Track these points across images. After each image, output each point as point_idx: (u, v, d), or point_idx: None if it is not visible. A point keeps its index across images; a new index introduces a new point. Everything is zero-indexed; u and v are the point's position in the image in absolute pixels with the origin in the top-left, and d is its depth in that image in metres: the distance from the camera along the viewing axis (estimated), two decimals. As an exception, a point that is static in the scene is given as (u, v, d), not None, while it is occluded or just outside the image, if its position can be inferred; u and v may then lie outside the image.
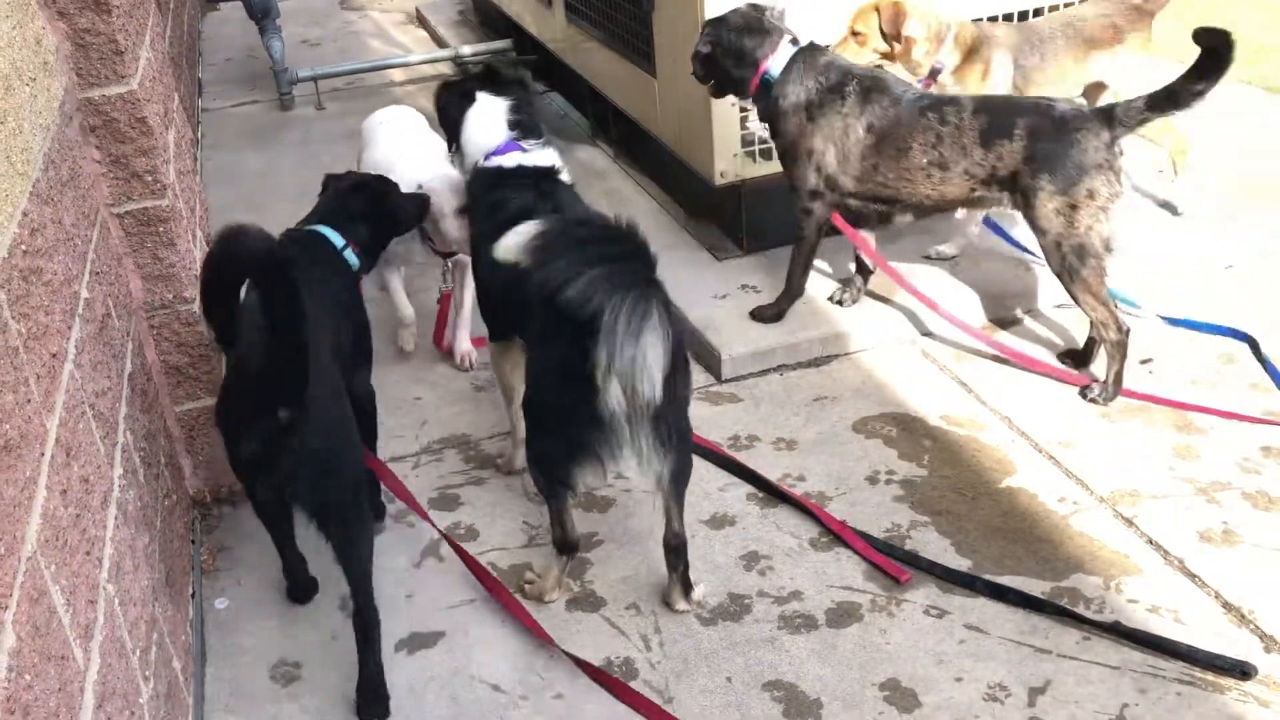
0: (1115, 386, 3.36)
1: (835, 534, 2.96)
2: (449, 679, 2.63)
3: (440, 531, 2.92)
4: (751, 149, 4.11)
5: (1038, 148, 3.24)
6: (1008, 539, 2.92)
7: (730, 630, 2.71)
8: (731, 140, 4.06)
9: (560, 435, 2.57)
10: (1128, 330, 3.35)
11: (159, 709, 2.18)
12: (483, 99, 3.17)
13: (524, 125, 3.11)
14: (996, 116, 3.32)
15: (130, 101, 2.79)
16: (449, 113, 3.22)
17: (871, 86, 3.48)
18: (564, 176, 3.06)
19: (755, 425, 3.45)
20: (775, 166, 4.13)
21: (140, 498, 2.44)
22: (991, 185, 3.37)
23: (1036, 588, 2.75)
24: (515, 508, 3.19)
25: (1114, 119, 3.21)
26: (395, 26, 8.29)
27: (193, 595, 2.89)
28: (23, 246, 1.91)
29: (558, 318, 2.38)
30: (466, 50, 6.88)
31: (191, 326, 3.07)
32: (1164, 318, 3.70)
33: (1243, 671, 2.45)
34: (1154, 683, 2.47)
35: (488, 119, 3.13)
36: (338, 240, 3.03)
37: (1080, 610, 2.66)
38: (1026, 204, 3.32)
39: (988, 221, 4.06)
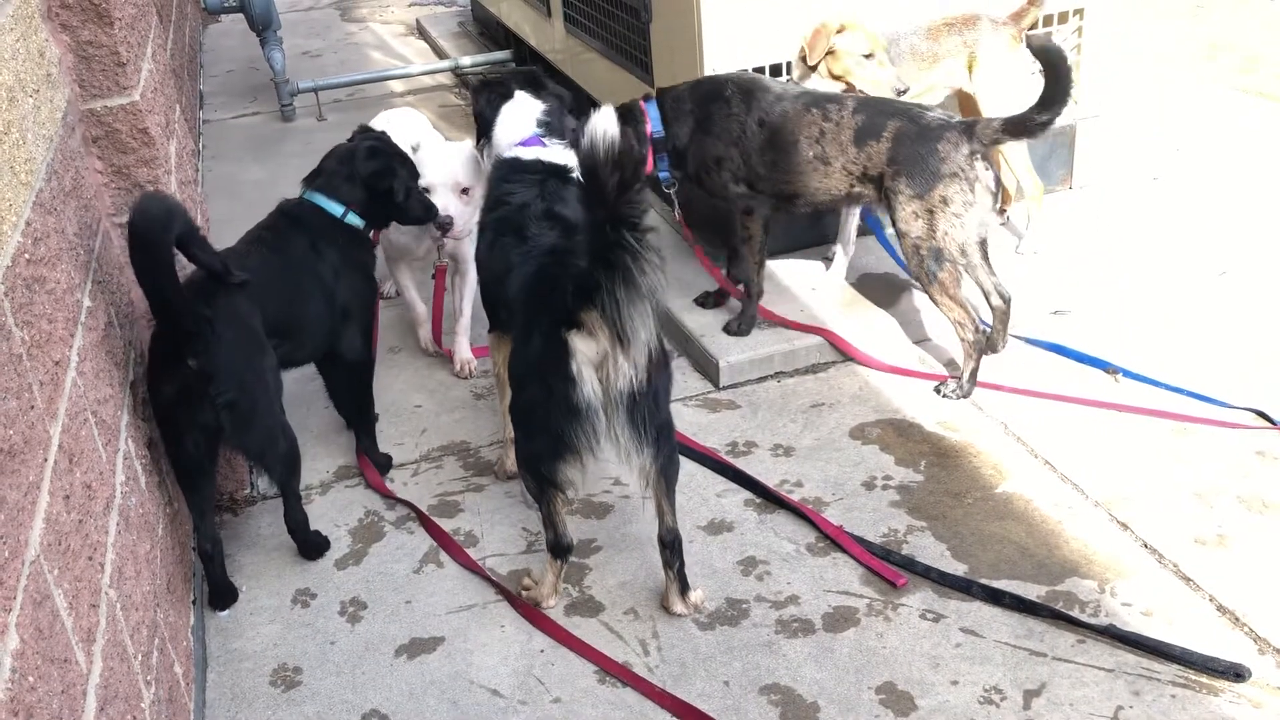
0: (970, 383, 3.53)
1: (832, 539, 2.98)
2: (449, 684, 2.65)
3: (426, 521, 2.94)
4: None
5: (901, 151, 3.35)
6: (1003, 543, 2.94)
7: (728, 635, 2.73)
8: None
9: (541, 431, 2.60)
10: (984, 331, 3.52)
11: (160, 713, 2.20)
12: (520, 97, 3.30)
13: (552, 126, 3.21)
14: (871, 117, 3.43)
15: (132, 112, 2.82)
16: (485, 106, 3.34)
17: (750, 86, 3.60)
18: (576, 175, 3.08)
19: (753, 431, 3.48)
20: (772, 175, 4.17)
21: (142, 504, 2.46)
22: (865, 183, 3.47)
23: (1032, 591, 2.76)
24: (514, 514, 3.21)
25: (974, 133, 3.32)
26: (396, 38, 8.34)
27: (194, 602, 2.91)
28: (26, 255, 1.94)
29: (537, 311, 2.52)
30: (466, 61, 6.93)
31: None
32: (1026, 339, 3.77)
33: (1236, 674, 2.47)
34: (1148, 685, 2.48)
35: (520, 115, 3.24)
36: (334, 208, 3.26)
37: (1075, 614, 2.68)
38: (889, 205, 3.44)
39: (871, 221, 4.18)
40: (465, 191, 3.62)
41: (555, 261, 2.66)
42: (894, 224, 3.46)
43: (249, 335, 2.86)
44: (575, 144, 3.09)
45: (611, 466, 2.94)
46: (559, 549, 2.79)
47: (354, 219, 3.29)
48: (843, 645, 2.67)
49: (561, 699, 2.59)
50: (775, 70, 4.04)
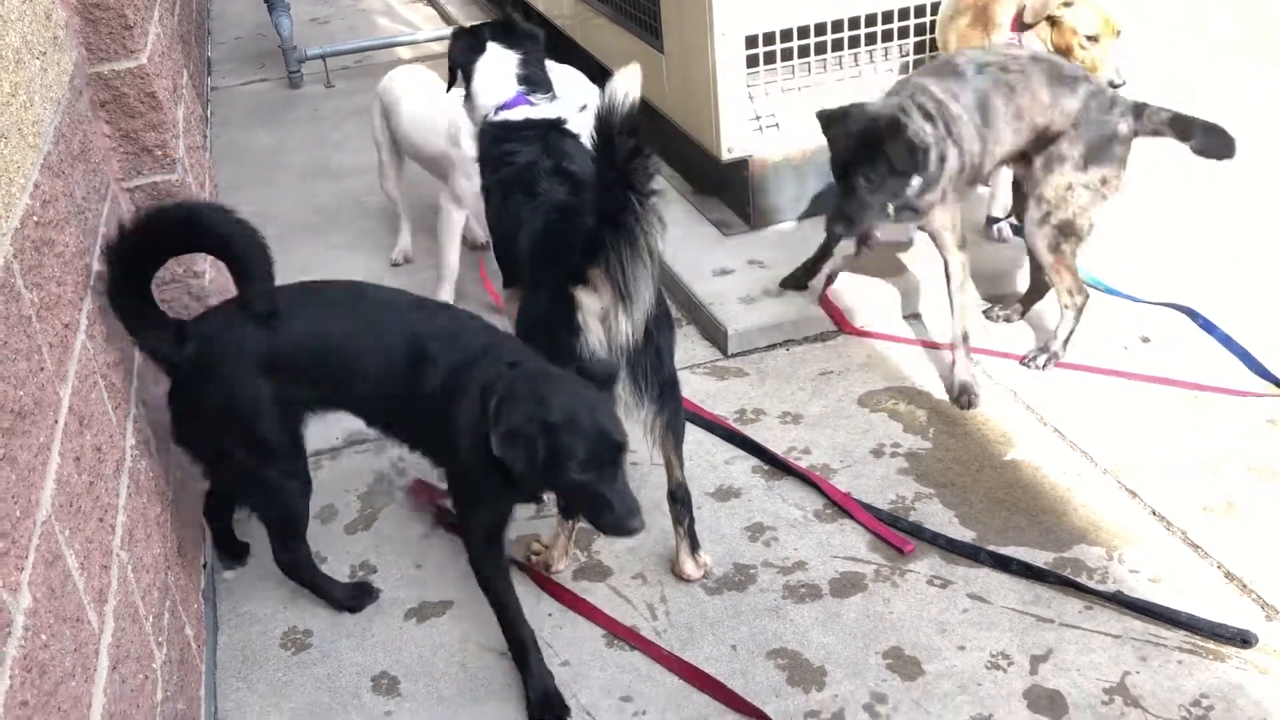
0: (1063, 349, 3.47)
1: (839, 505, 2.98)
2: (458, 647, 2.67)
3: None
4: (759, 125, 4.11)
5: (1088, 114, 3.23)
6: (1011, 510, 2.94)
7: (735, 600, 2.74)
8: (739, 116, 4.06)
9: None
10: (1087, 295, 3.45)
11: (172, 674, 2.22)
12: (493, 50, 3.17)
13: (532, 79, 3.13)
14: (1055, 66, 3.31)
15: (140, 76, 2.81)
16: (459, 60, 3.25)
17: (943, 66, 3.37)
18: (572, 127, 3.08)
19: (761, 399, 3.47)
20: (782, 143, 4.15)
21: (152, 468, 2.48)
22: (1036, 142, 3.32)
23: (1039, 558, 2.77)
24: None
25: (1141, 116, 3.25)
26: (403, 4, 8.28)
27: (205, 565, 2.93)
28: (35, 218, 1.94)
29: (544, 267, 2.59)
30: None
31: (202, 300, 3.10)
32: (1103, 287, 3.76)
33: (1243, 640, 2.47)
34: (1155, 651, 2.49)
35: (498, 72, 3.14)
36: None
37: (1083, 580, 2.68)
38: (1041, 167, 3.31)
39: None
40: None
41: (563, 218, 2.67)
42: (1034, 187, 3.33)
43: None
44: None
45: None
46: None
47: None
48: (850, 610, 2.68)
49: (570, 662, 2.60)
50: (785, 35, 4.00)
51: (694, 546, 2.80)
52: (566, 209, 2.70)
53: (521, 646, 2.50)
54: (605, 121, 2.26)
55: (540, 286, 2.65)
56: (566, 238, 2.55)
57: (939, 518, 2.94)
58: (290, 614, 2.81)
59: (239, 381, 2.50)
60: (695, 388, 3.53)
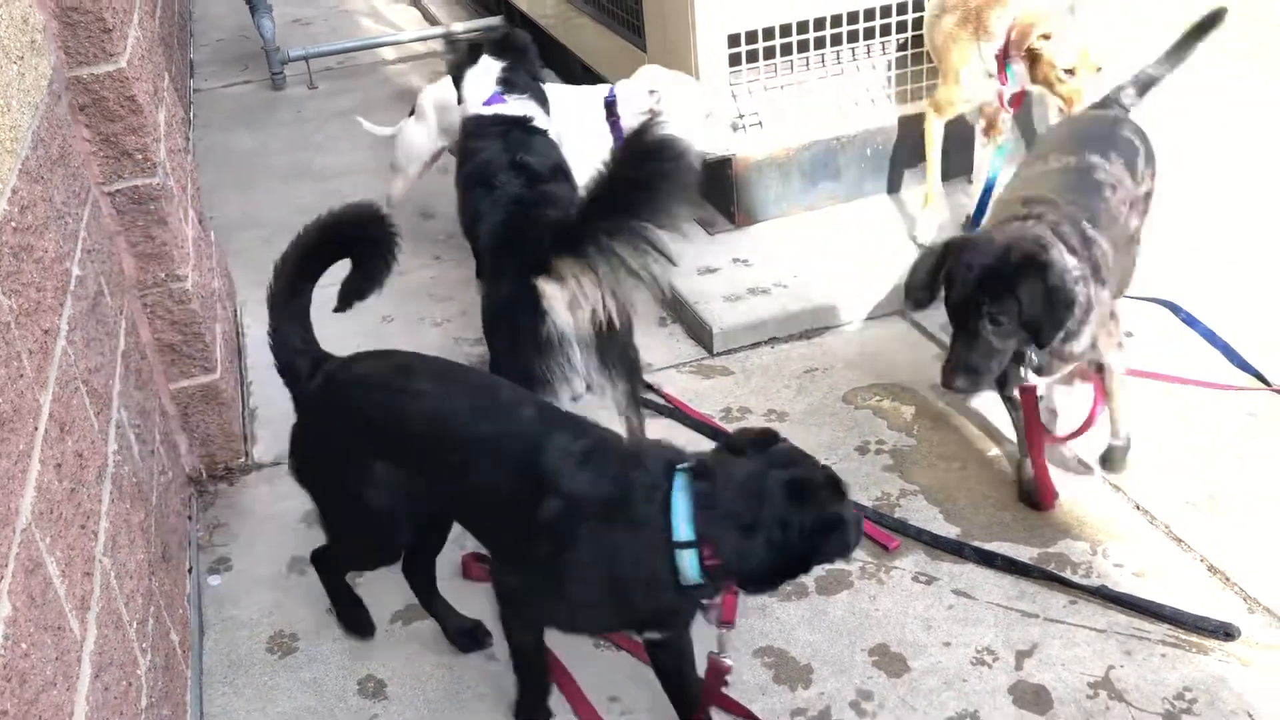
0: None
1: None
2: (445, 651, 2.67)
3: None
4: (742, 123, 4.11)
5: (1152, 155, 3.12)
6: (996, 506, 2.95)
7: (722, 599, 2.74)
8: (723, 114, 4.06)
9: (513, 366, 2.71)
10: None
11: (157, 680, 2.21)
12: (484, 60, 3.43)
13: (509, 81, 3.35)
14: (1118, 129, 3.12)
15: (119, 80, 2.80)
16: (452, 71, 3.58)
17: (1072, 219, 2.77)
18: (541, 124, 3.25)
19: (747, 397, 3.48)
20: (765, 142, 4.15)
21: (135, 474, 2.47)
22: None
23: (1024, 553, 2.78)
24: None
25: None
26: (387, 5, 8.26)
27: (190, 570, 2.92)
28: (13, 224, 1.93)
29: (504, 256, 2.81)
30: (458, 27, 6.86)
31: (184, 305, 3.09)
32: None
33: (1226, 633, 2.49)
34: (1139, 645, 2.50)
35: (484, 76, 3.39)
36: None
37: (1067, 575, 2.69)
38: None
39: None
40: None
41: (520, 211, 2.84)
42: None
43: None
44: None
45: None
46: None
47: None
48: (836, 608, 2.68)
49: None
50: (769, 33, 4.01)
51: None
52: (522, 201, 2.87)
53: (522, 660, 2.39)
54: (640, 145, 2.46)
55: (501, 276, 2.78)
56: (525, 230, 2.72)
57: (924, 514, 2.94)
58: (277, 618, 2.80)
59: (344, 444, 2.36)
60: (681, 386, 3.53)
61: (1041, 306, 2.50)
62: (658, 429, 3.23)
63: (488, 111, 3.28)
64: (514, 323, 2.68)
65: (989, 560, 2.76)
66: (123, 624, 2.06)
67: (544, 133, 3.26)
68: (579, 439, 2.14)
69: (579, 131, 3.65)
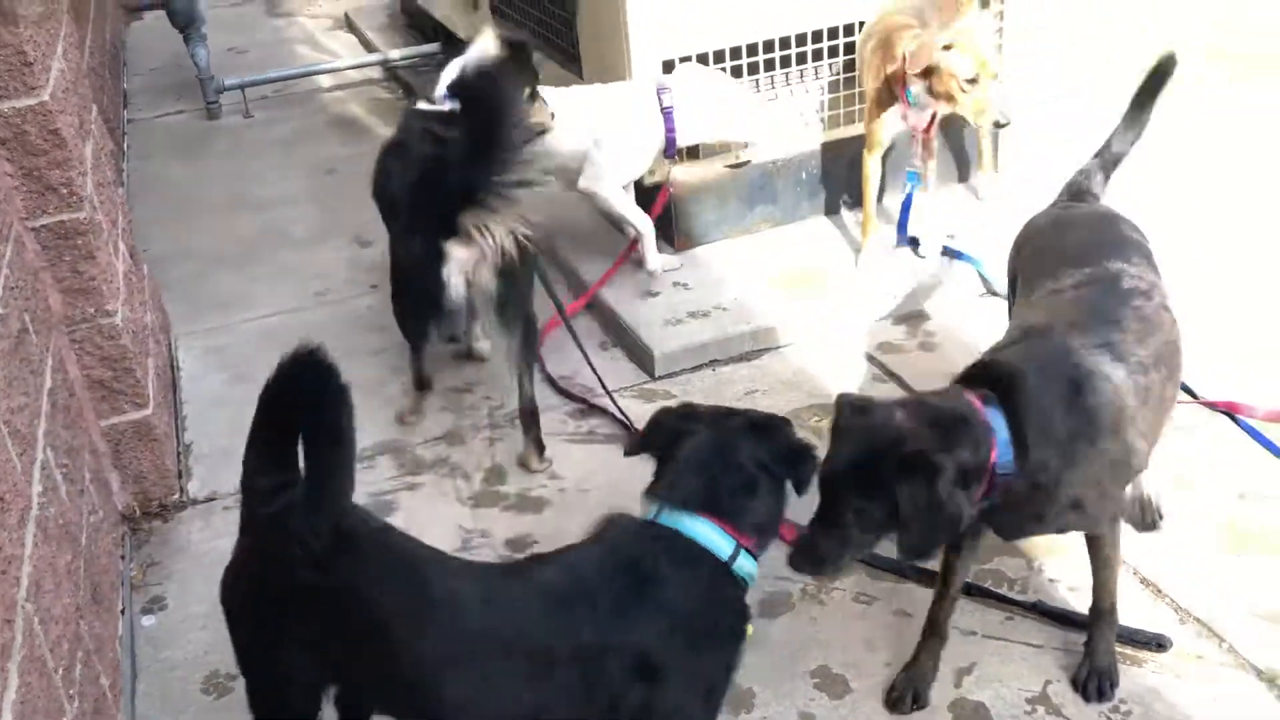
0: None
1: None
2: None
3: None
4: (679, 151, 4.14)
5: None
6: (934, 524, 2.97)
7: (664, 625, 2.73)
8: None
9: (412, 315, 3.30)
10: None
11: (86, 727, 2.16)
12: (451, 63, 3.68)
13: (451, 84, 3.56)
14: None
15: (41, 113, 2.75)
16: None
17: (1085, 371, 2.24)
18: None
19: (688, 421, 3.48)
20: (703, 169, 4.18)
21: (63, 514, 2.41)
22: None
23: (962, 571, 2.80)
24: (449, 513, 3.19)
25: None
26: (324, 32, 8.22)
27: (123, 611, 2.86)
28: (-73, 263, 1.89)
29: (416, 214, 3.09)
30: (395, 55, 6.85)
31: (114, 340, 3.04)
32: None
33: (1159, 644, 2.53)
34: (1075, 660, 2.53)
35: (445, 76, 3.65)
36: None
37: (1003, 591, 2.72)
38: None
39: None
40: None
41: (436, 168, 3.04)
42: None
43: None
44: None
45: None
46: (419, 383, 3.57)
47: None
48: (777, 630, 2.69)
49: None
50: (703, 59, 4.04)
51: (539, 449, 3.32)
52: (438, 159, 3.08)
53: None
54: (464, 88, 2.90)
55: (413, 234, 3.09)
56: (434, 190, 2.98)
57: (864, 534, 2.96)
58: (213, 657, 2.75)
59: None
60: (625, 410, 3.53)
61: (915, 517, 2.05)
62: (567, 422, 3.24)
63: (424, 107, 3.61)
64: (420, 283, 3.04)
65: (928, 579, 2.77)
66: (48, 671, 2.01)
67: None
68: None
69: (632, 122, 3.84)
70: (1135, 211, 2.75)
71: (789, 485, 2.11)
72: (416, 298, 3.19)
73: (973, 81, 3.54)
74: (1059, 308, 2.40)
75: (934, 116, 3.82)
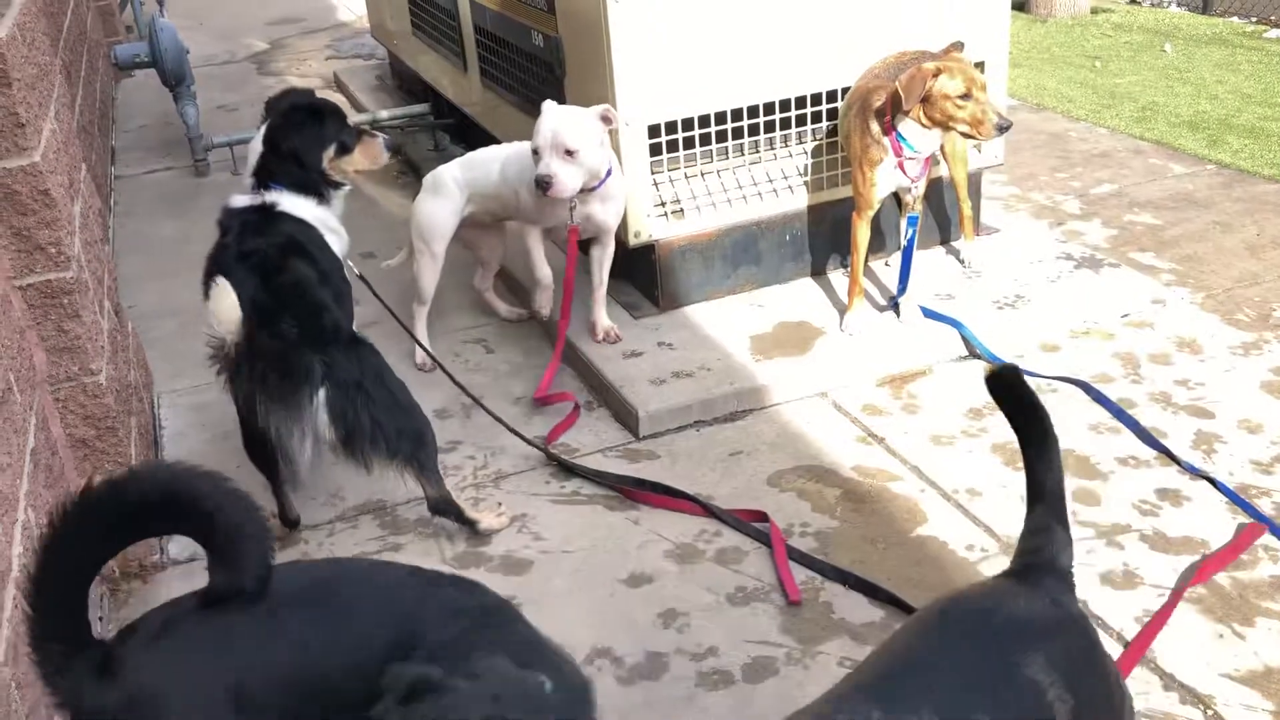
0: None
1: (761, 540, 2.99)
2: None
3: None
4: (664, 210, 4.19)
5: None
6: (919, 587, 2.97)
7: (649, 689, 2.72)
8: (645, 201, 4.14)
9: (259, 453, 3.23)
10: None
11: (60, 794, 2.12)
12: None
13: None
14: None
15: (32, 174, 2.77)
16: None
17: None
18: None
19: (673, 481, 3.48)
20: (688, 226, 4.23)
21: (42, 576, 2.39)
22: None
23: (947, 635, 2.80)
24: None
25: None
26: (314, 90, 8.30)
27: (100, 674, 2.82)
28: (-86, 325, 1.89)
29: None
30: (384, 114, 6.91)
31: (98, 399, 3.03)
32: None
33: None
34: None
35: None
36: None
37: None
38: None
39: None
40: (570, 154, 3.68)
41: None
42: None
43: None
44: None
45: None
46: (285, 521, 3.36)
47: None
48: (763, 696, 2.67)
49: None
50: (688, 123, 4.10)
51: (472, 524, 3.31)
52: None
53: None
54: None
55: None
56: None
57: (850, 598, 2.96)
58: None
59: None
60: (610, 471, 3.53)
61: None
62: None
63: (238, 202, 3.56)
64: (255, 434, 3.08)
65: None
66: (23, 738, 1.98)
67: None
68: None
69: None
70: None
71: None
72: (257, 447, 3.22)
73: (966, 97, 3.62)
74: None
75: (927, 162, 3.88)
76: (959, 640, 1.72)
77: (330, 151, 3.52)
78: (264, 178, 3.45)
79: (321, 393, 3.00)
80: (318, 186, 3.48)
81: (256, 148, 3.53)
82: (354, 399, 3.03)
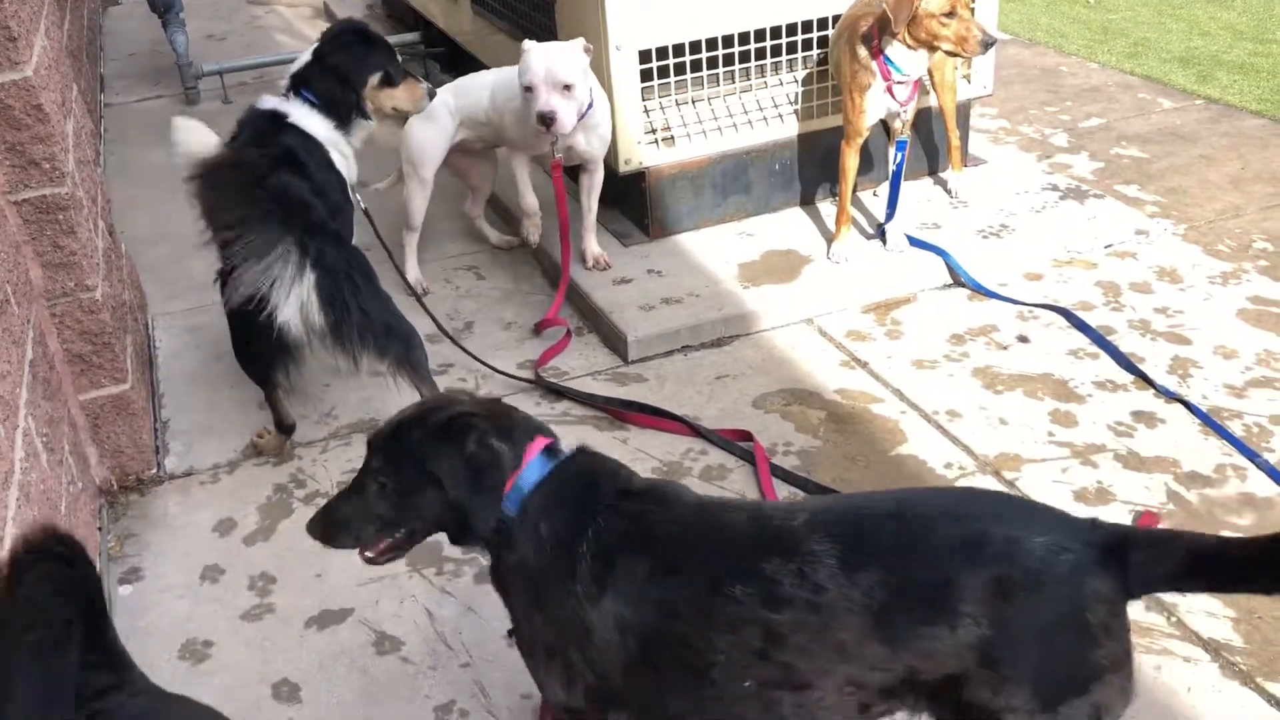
0: None
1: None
2: (358, 653, 2.69)
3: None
4: (654, 137, 4.21)
5: None
6: (898, 503, 3.06)
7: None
8: (636, 129, 4.16)
9: (254, 356, 3.25)
10: None
11: (65, 686, 2.20)
12: None
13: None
14: None
15: (25, 88, 2.79)
16: None
17: None
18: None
19: (660, 403, 3.55)
20: (679, 154, 4.25)
21: (43, 480, 2.45)
22: None
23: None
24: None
25: None
26: (303, 20, 8.24)
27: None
28: (-84, 227, 1.93)
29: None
30: (375, 44, 6.88)
31: (94, 315, 3.08)
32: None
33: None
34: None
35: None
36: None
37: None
38: None
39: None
40: (567, 88, 3.69)
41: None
42: None
43: None
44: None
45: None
46: (282, 427, 3.40)
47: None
48: None
49: (470, 663, 2.64)
50: (678, 50, 4.11)
51: None
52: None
53: None
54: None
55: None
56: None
57: (829, 512, 3.04)
58: (189, 626, 2.80)
59: None
60: (599, 393, 3.60)
61: (450, 472, 1.94)
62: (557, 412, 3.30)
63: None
64: (252, 323, 3.03)
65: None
66: (30, 628, 2.05)
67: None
68: None
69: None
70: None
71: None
72: (253, 339, 3.20)
73: (950, 15, 3.65)
74: None
75: (915, 85, 3.91)
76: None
77: (375, 79, 3.51)
78: (298, 84, 3.46)
79: (311, 275, 3.00)
80: (346, 109, 3.46)
81: (305, 58, 3.53)
82: (341, 286, 3.04)
